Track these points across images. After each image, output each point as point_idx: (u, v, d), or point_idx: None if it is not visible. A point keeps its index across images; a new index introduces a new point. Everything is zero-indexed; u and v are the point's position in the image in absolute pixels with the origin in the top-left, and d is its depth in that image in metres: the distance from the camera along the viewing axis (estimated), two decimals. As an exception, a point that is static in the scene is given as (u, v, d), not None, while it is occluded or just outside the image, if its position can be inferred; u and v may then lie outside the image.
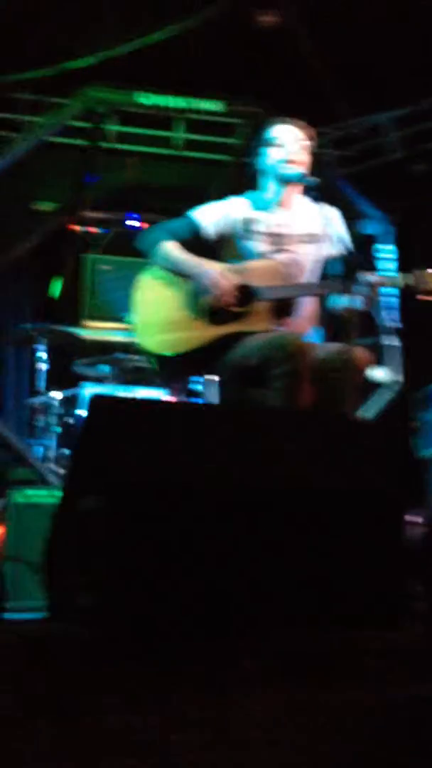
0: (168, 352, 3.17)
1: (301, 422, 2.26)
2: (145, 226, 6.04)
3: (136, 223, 6.27)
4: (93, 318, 5.70)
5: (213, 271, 3.11)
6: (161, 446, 1.96)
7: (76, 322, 5.60)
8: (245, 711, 1.63)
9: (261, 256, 3.26)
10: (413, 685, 1.76)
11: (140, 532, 1.82)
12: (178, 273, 3.19)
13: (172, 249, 3.21)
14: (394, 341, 5.82)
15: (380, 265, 5.57)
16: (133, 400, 4.36)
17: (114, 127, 6.18)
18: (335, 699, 1.68)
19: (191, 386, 4.21)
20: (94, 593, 1.78)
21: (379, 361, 5.35)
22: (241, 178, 3.68)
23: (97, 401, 2.03)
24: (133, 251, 5.72)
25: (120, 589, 1.79)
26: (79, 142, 6.07)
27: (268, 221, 3.29)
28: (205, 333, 3.15)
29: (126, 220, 6.24)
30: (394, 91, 6.00)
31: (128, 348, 5.22)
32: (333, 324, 3.61)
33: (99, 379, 5.04)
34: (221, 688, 1.70)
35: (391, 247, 5.85)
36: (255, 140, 3.36)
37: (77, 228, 6.05)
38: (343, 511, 2.00)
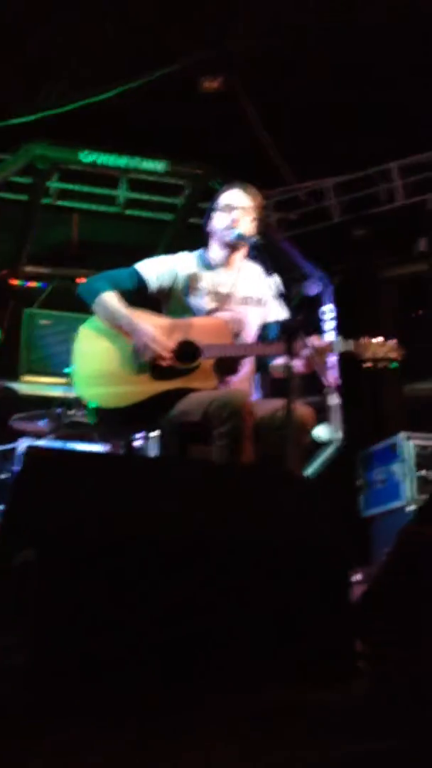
0: (108, 406, 3.10)
1: (247, 478, 2.22)
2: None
3: (77, 279, 6.24)
4: (31, 372, 5.62)
5: (149, 330, 3.08)
6: (96, 499, 1.89)
7: (14, 377, 5.50)
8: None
9: (204, 313, 3.25)
10: (353, 744, 1.71)
11: (73, 586, 1.73)
12: (116, 327, 3.15)
13: (111, 301, 3.17)
14: (335, 399, 5.87)
15: (322, 324, 5.66)
16: (68, 451, 4.28)
17: (56, 184, 6.19)
18: (279, 755, 1.62)
19: (131, 441, 4.14)
20: (28, 651, 1.69)
21: (320, 419, 5.38)
22: (183, 237, 3.70)
23: (31, 452, 1.96)
24: (71, 306, 5.74)
25: (53, 646, 1.69)
26: (20, 197, 6.07)
27: (212, 280, 3.29)
28: (147, 388, 3.10)
29: (70, 276, 6.21)
30: (337, 157, 6.17)
31: (67, 403, 5.14)
32: (272, 383, 3.62)
33: (37, 434, 4.93)
34: (159, 744, 1.62)
35: (331, 306, 5.95)
36: (197, 201, 3.40)
37: (16, 282, 5.99)
38: (289, 569, 1.95)
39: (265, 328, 3.37)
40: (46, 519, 1.83)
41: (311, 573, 1.99)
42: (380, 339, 3.10)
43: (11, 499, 2.03)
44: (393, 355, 3.07)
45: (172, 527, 1.94)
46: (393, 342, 3.09)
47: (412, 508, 5.21)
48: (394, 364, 3.09)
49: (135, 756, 1.54)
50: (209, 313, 3.25)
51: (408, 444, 5.37)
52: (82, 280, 6.02)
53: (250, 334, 3.31)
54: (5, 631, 1.86)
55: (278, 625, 1.95)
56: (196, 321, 3.21)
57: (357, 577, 3.43)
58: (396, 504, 5.35)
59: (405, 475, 5.30)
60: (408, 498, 5.24)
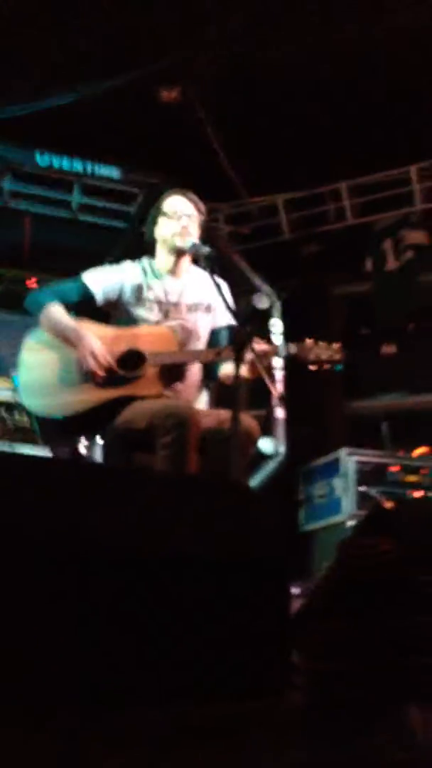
0: (51, 415, 3.10)
1: (188, 487, 2.22)
2: (34, 285, 5.98)
3: (27, 281, 6.19)
4: (-23, 374, 5.54)
5: (90, 343, 3.08)
6: (37, 503, 1.87)
7: (-43, 378, 5.42)
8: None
9: (151, 322, 3.26)
10: (289, 755, 1.73)
11: (9, 588, 1.71)
12: (61, 338, 3.15)
13: (56, 313, 3.18)
14: (280, 413, 5.93)
15: (270, 339, 5.70)
16: (8, 454, 4.23)
17: (8, 185, 6.13)
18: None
19: (76, 447, 4.12)
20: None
21: (264, 433, 5.42)
22: (136, 245, 3.70)
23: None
24: (20, 309, 5.68)
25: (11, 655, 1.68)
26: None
27: (158, 289, 3.30)
28: (91, 397, 3.11)
29: (20, 278, 6.15)
30: (290, 174, 6.25)
31: (11, 406, 5.09)
32: (218, 392, 3.64)
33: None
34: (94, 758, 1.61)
35: (279, 321, 6.02)
36: (150, 209, 3.40)
37: (-35, 282, 5.91)
38: (228, 580, 1.95)
39: (214, 334, 3.39)
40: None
41: (251, 584, 2.00)
42: (323, 342, 3.14)
43: None
44: (337, 357, 3.11)
45: (112, 535, 1.93)
46: (337, 345, 3.13)
47: (352, 522, 5.28)
48: (338, 367, 3.12)
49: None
50: (154, 322, 3.26)
51: (350, 459, 5.44)
52: (33, 283, 6.04)
53: (199, 341, 3.33)
54: None
55: (214, 637, 1.95)
56: (143, 330, 3.22)
57: (295, 590, 3.47)
58: (336, 518, 5.42)
59: (346, 490, 5.37)
60: (348, 513, 5.31)
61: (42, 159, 5.43)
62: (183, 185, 3.46)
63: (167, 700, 1.87)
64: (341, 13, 4.91)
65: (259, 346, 3.06)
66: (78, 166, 5.50)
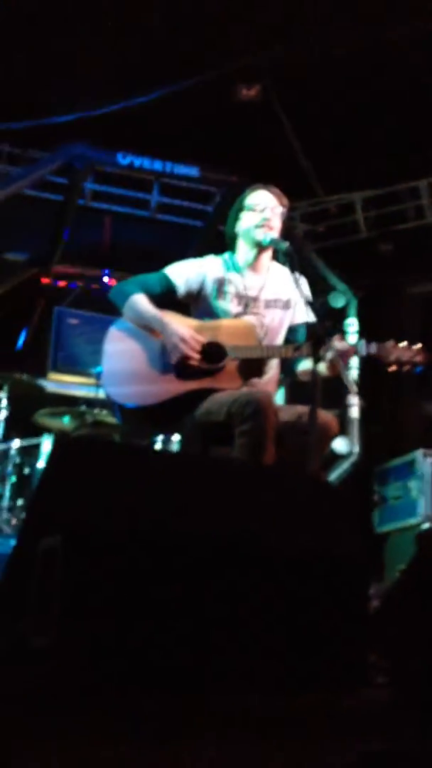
0: (134, 404, 3.15)
1: (272, 479, 2.24)
2: (114, 282, 6.10)
3: (107, 280, 6.32)
4: (58, 370, 5.69)
5: (181, 330, 3.13)
6: (125, 490, 1.92)
7: (41, 374, 5.57)
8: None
9: (230, 316, 3.29)
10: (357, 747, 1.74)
11: (98, 575, 1.76)
12: (146, 327, 3.21)
13: (142, 302, 3.22)
14: (354, 412, 5.90)
15: (346, 337, 5.67)
16: (100, 441, 4.31)
17: (90, 185, 6.29)
18: (283, 760, 1.64)
19: (153, 443, 4.18)
20: (49, 635, 1.73)
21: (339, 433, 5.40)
22: (213, 244, 3.73)
23: (62, 439, 2.00)
24: (100, 307, 5.81)
25: (75, 632, 1.73)
26: (54, 197, 6.17)
27: (239, 283, 3.33)
28: (173, 387, 3.14)
29: (100, 277, 6.28)
30: (367, 173, 6.22)
31: (90, 402, 5.20)
32: (293, 388, 3.65)
33: (60, 431, 4.98)
34: (174, 744, 1.65)
35: (354, 319, 5.98)
36: (234, 204, 3.43)
37: (47, 280, 6.07)
38: (310, 575, 1.96)
39: (292, 330, 3.39)
40: (73, 507, 1.85)
41: (332, 580, 1.99)
42: (405, 343, 3.11)
43: (39, 485, 2.07)
44: (418, 359, 3.07)
45: (196, 524, 1.96)
46: (418, 346, 3.10)
47: (427, 525, 5.21)
48: (418, 369, 3.09)
49: (142, 754, 1.57)
50: (236, 316, 3.29)
51: (426, 461, 5.38)
52: (112, 282, 6.16)
53: (278, 337, 3.35)
54: (29, 616, 1.90)
55: (294, 631, 1.96)
56: (224, 323, 3.24)
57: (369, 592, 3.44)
58: (411, 521, 5.35)
59: (422, 492, 5.31)
60: (424, 515, 5.24)
61: (124, 158, 5.53)
62: (260, 182, 3.48)
63: (242, 691, 1.90)
64: (420, 9, 4.87)
65: (340, 343, 3.05)
66: (158, 165, 5.59)
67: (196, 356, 3.11)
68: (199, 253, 3.46)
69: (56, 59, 5.26)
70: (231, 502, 2.08)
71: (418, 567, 1.85)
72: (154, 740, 1.64)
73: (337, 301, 5.84)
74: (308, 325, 3.38)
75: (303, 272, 3.22)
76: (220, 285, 3.31)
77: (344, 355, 3.03)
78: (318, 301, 3.72)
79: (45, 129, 5.44)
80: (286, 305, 3.38)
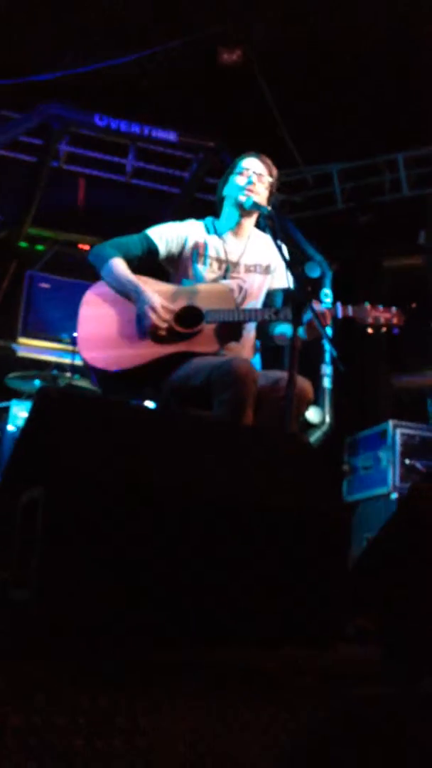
0: (110, 368, 3.13)
1: (254, 436, 2.25)
2: (87, 248, 6.03)
3: (80, 245, 6.24)
4: (28, 335, 5.63)
5: (153, 298, 3.11)
6: (106, 443, 1.91)
7: (10, 337, 5.50)
8: (175, 724, 1.58)
9: (210, 280, 3.28)
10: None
11: (80, 527, 1.74)
12: (122, 293, 3.18)
13: (119, 267, 3.20)
14: (326, 383, 5.93)
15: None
16: (82, 394, 4.28)
17: (65, 148, 6.19)
18: (264, 714, 1.65)
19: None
20: (29, 588, 1.72)
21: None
22: (187, 211, 3.70)
23: (44, 392, 1.97)
24: (72, 271, 5.75)
25: (57, 584, 1.72)
26: (28, 158, 6.06)
27: (219, 247, 3.32)
28: (149, 351, 3.13)
29: (73, 241, 6.21)
30: (345, 144, 6.20)
31: (61, 367, 5.16)
32: (268, 354, 3.65)
33: (31, 395, 4.95)
34: (152, 698, 1.65)
35: (329, 290, 5.99)
36: (201, 173, 3.41)
37: (19, 243, 5.98)
38: (291, 529, 1.97)
39: (270, 295, 3.39)
40: (56, 458, 1.84)
41: (313, 534, 2.01)
42: (380, 306, 3.13)
43: (20, 437, 2.05)
44: (395, 320, 3.10)
45: (177, 477, 1.96)
46: (394, 309, 3.12)
47: (396, 495, 5.27)
48: (396, 331, 3.11)
49: (121, 708, 1.57)
50: (214, 279, 3.28)
51: (396, 432, 5.43)
52: (85, 247, 6.09)
53: (256, 301, 3.35)
54: (10, 567, 1.89)
55: (271, 586, 1.97)
56: (201, 287, 3.24)
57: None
58: (381, 490, 5.41)
59: (392, 462, 5.36)
60: (393, 485, 5.30)
61: (100, 121, 5.44)
62: (237, 150, 3.47)
63: (226, 644, 1.90)
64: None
65: (318, 307, 3.05)
66: (135, 128, 5.51)
67: (164, 326, 3.09)
68: (175, 219, 3.43)
69: (36, 18, 5.14)
70: (212, 456, 2.08)
71: (404, 518, 1.87)
72: (132, 693, 1.64)
73: (313, 271, 5.84)
74: (286, 291, 3.39)
75: (283, 241, 3.21)
76: (201, 249, 3.30)
77: (322, 318, 3.04)
78: (295, 271, 3.71)
79: (21, 88, 5.33)
80: (266, 270, 3.38)
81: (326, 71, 5.60)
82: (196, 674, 1.78)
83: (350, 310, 3.12)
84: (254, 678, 1.81)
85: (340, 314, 3.12)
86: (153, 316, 3.08)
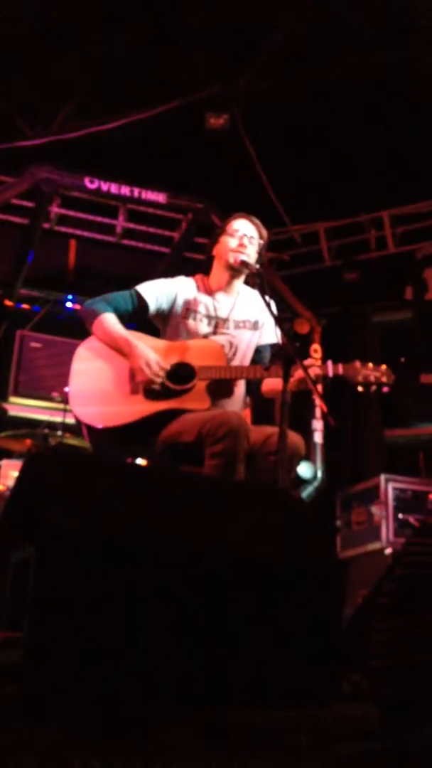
0: (101, 425, 3.13)
1: (246, 493, 2.24)
2: (78, 307, 6.08)
3: (70, 305, 6.30)
4: (19, 394, 5.64)
5: (146, 353, 3.13)
6: (99, 501, 1.91)
7: (1, 397, 5.51)
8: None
9: (199, 336, 3.30)
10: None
11: (72, 586, 1.74)
12: (114, 348, 3.20)
13: (111, 322, 3.21)
14: (318, 438, 5.93)
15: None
16: (73, 453, 4.26)
17: (56, 210, 6.29)
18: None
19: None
20: (21, 649, 1.69)
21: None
22: (177, 270, 3.76)
23: (36, 451, 1.97)
24: (63, 331, 5.79)
25: (49, 645, 1.70)
26: (20, 220, 6.15)
27: (209, 304, 3.35)
28: (141, 408, 3.13)
29: (63, 301, 6.26)
30: (331, 203, 6.33)
31: (53, 426, 5.16)
32: (258, 409, 3.66)
33: (22, 455, 4.92)
34: (147, 758, 1.62)
35: (318, 346, 6.05)
36: (190, 233, 3.48)
37: (10, 303, 6.03)
38: (284, 586, 1.96)
39: (258, 351, 3.42)
40: (46, 517, 1.83)
41: (305, 591, 2.00)
42: (370, 364, 3.16)
43: (12, 496, 2.05)
44: (384, 378, 3.12)
45: (169, 535, 1.95)
46: (383, 367, 3.15)
47: (390, 551, 5.23)
48: (384, 389, 3.13)
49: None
50: (205, 336, 3.31)
51: (389, 486, 5.41)
52: (76, 307, 6.14)
53: (246, 357, 3.37)
54: (1, 627, 1.86)
55: (267, 643, 1.95)
56: (192, 343, 3.26)
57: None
58: (375, 545, 5.37)
59: (385, 517, 5.33)
60: (387, 540, 5.26)
61: (91, 184, 5.54)
62: (226, 211, 3.53)
63: (208, 701, 1.88)
64: (387, 43, 5.00)
65: (309, 365, 3.08)
66: (125, 191, 5.61)
67: (159, 381, 3.11)
68: (165, 277, 3.48)
69: (25, 83, 5.28)
70: (204, 513, 2.08)
71: (395, 574, 1.86)
72: (126, 753, 1.61)
73: (301, 327, 5.90)
74: (275, 346, 3.42)
75: (271, 297, 3.25)
76: (191, 305, 3.33)
77: (315, 375, 3.07)
78: (283, 328, 3.75)
79: (12, 152, 5.44)
80: (255, 326, 3.41)
81: (313, 131, 5.74)
82: (191, 733, 1.75)
83: (341, 369, 3.15)
84: (251, 737, 1.78)
85: (330, 373, 3.15)
86: (147, 371, 3.10)
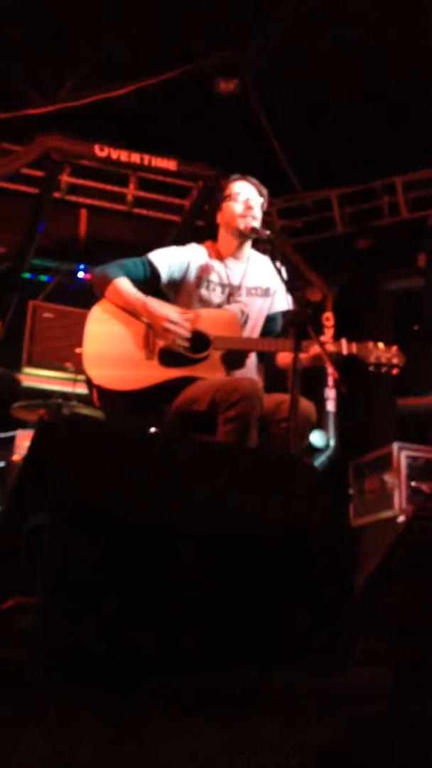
0: (115, 388, 3.12)
1: (259, 460, 2.25)
2: (89, 277, 6.07)
3: (82, 274, 6.29)
4: (32, 364, 5.65)
5: (169, 313, 3.12)
6: (111, 468, 1.92)
7: (15, 367, 5.53)
8: (174, 748, 1.57)
9: (214, 305, 3.29)
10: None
11: (85, 552, 1.75)
12: (130, 311, 3.19)
13: (126, 285, 3.19)
14: (330, 406, 5.93)
15: (322, 331, 5.72)
16: (85, 420, 4.27)
17: (66, 179, 6.26)
18: (273, 736, 1.64)
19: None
20: (35, 614, 1.71)
21: (315, 426, 5.43)
22: (188, 238, 3.73)
23: (47, 418, 1.98)
24: (75, 301, 5.79)
25: (61, 612, 1.71)
26: (30, 189, 6.13)
27: (222, 272, 3.34)
28: (156, 374, 3.13)
29: (75, 271, 6.25)
30: (343, 169, 6.26)
31: (66, 396, 5.17)
32: (270, 377, 3.67)
33: (35, 425, 4.95)
34: (155, 723, 1.64)
35: (330, 314, 6.03)
36: (209, 198, 3.45)
37: (22, 274, 6.03)
38: (296, 553, 1.97)
39: (270, 319, 3.41)
40: (59, 483, 1.83)
41: (320, 558, 2.00)
42: (382, 345, 3.17)
43: (24, 464, 2.06)
44: (395, 360, 3.14)
45: (182, 504, 1.96)
46: (395, 348, 3.16)
47: (402, 518, 5.25)
48: (395, 370, 3.15)
49: (123, 734, 1.56)
50: (219, 305, 3.30)
51: (401, 454, 5.42)
52: (87, 276, 6.13)
53: (257, 324, 3.37)
54: (15, 593, 1.88)
55: (280, 610, 1.97)
56: (206, 312, 3.25)
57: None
58: (387, 513, 5.38)
59: (397, 485, 5.34)
60: (399, 508, 5.28)
61: (101, 151, 5.50)
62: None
63: (226, 668, 1.89)
64: (395, 13, 4.92)
65: (325, 342, 3.08)
66: (135, 158, 5.57)
67: (188, 337, 3.10)
68: (176, 245, 3.46)
69: (34, 50, 5.23)
70: (217, 481, 2.08)
71: (406, 539, 1.87)
72: (135, 720, 1.63)
73: (314, 295, 5.88)
74: (287, 313, 3.42)
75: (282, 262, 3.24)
76: (204, 273, 3.31)
77: (326, 351, 3.07)
78: (295, 296, 3.75)
79: (21, 121, 5.40)
80: (266, 293, 3.41)
81: (324, 96, 5.66)
82: (202, 697, 1.76)
83: (354, 348, 3.15)
84: (262, 702, 1.79)
85: (345, 351, 3.15)
86: (175, 328, 3.09)
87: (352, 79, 5.54)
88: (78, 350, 3.17)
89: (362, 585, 2.21)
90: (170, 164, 5.56)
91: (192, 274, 3.30)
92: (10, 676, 1.68)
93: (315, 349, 3.01)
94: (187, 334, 3.11)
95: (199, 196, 5.97)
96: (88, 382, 3.16)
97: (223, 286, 3.32)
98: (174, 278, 3.30)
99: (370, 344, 3.17)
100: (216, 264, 3.34)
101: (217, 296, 3.31)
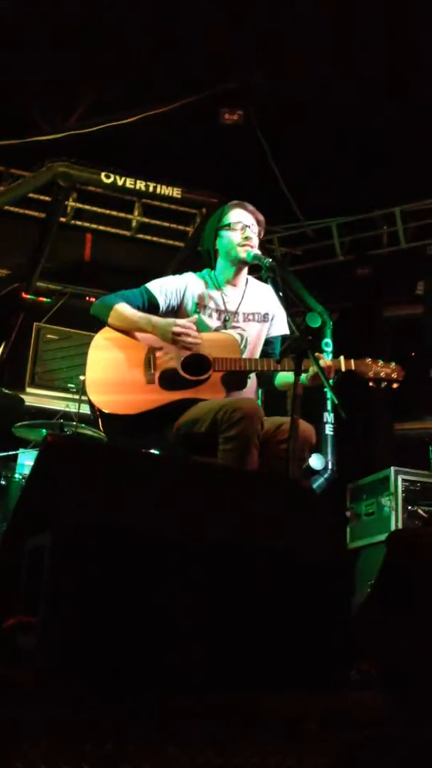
0: (118, 413, 3.18)
1: (258, 483, 2.28)
2: (93, 300, 6.15)
3: (86, 297, 6.38)
4: (35, 385, 5.73)
5: (170, 321, 3.19)
6: (113, 489, 1.93)
7: (18, 388, 5.61)
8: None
9: (210, 330, 3.34)
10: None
11: (87, 573, 1.75)
12: (135, 330, 3.27)
13: (127, 309, 3.26)
14: (328, 430, 6.00)
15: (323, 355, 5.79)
16: (88, 442, 4.30)
17: (72, 204, 6.38)
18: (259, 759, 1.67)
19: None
20: (37, 634, 1.73)
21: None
22: (190, 264, 3.81)
23: (50, 439, 2.01)
24: (78, 323, 5.88)
25: (63, 631, 1.71)
26: (37, 214, 6.24)
27: (218, 298, 3.40)
28: (157, 397, 3.19)
29: (79, 294, 6.35)
30: (343, 199, 6.37)
31: (68, 416, 5.25)
32: (269, 400, 3.73)
33: (38, 444, 5.02)
34: (155, 743, 1.66)
35: (329, 340, 6.11)
36: (213, 222, 3.52)
37: (27, 296, 6.11)
38: (294, 576, 1.98)
39: (268, 342, 3.48)
40: (61, 504, 1.82)
41: (315, 580, 2.01)
42: (381, 361, 3.23)
43: (28, 483, 2.08)
44: (394, 375, 3.19)
45: (182, 525, 1.96)
46: (394, 364, 3.22)
47: (398, 541, 5.30)
48: (394, 385, 3.20)
49: (123, 754, 1.59)
50: (216, 330, 3.36)
51: (398, 478, 5.49)
52: (92, 300, 6.22)
53: (256, 349, 3.42)
54: (16, 613, 1.89)
55: (276, 631, 1.96)
56: (207, 335, 3.30)
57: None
58: (383, 536, 5.43)
59: (394, 509, 5.41)
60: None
61: (107, 178, 5.61)
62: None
63: (224, 690, 1.91)
64: (398, 44, 5.04)
65: (323, 360, 3.13)
66: (141, 185, 5.68)
67: (198, 342, 3.17)
68: (178, 272, 3.54)
69: (43, 78, 5.35)
70: (216, 503, 2.10)
71: (389, 570, 1.91)
72: (135, 740, 1.65)
73: (314, 321, 5.96)
74: (285, 338, 3.49)
75: (282, 292, 3.31)
76: (201, 300, 3.37)
77: (326, 371, 3.12)
78: (295, 322, 3.82)
79: (30, 147, 5.51)
80: (264, 318, 3.46)
81: (326, 126, 5.78)
82: (200, 719, 1.78)
83: (352, 364, 3.21)
84: (259, 724, 1.82)
85: (343, 368, 3.21)
86: (184, 331, 3.16)
87: (355, 109, 5.66)
88: (82, 377, 3.24)
89: (358, 608, 2.25)
90: (175, 192, 5.67)
91: (189, 302, 3.36)
92: (10, 695, 1.70)
93: (315, 372, 3.06)
94: (196, 335, 3.18)
95: (202, 222, 6.08)
96: (92, 408, 3.23)
97: (219, 312, 3.38)
98: (171, 305, 3.36)
99: (369, 360, 3.23)
100: (213, 292, 3.40)
101: (213, 322, 3.37)
